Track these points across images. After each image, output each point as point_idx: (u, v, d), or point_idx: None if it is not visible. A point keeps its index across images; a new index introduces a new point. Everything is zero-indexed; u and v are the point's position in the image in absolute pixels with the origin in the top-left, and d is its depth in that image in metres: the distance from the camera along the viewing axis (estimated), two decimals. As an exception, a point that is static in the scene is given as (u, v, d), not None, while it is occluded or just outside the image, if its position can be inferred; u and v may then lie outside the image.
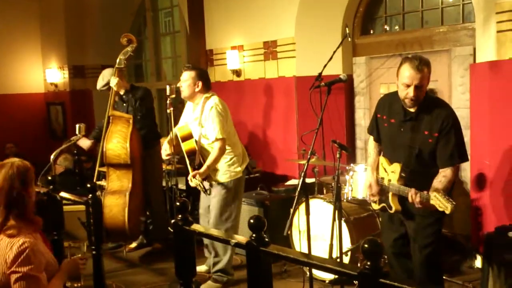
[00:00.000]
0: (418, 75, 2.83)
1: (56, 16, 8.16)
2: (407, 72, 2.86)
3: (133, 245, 4.92)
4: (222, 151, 3.83)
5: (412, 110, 2.97)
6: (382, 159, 3.14)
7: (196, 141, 3.92)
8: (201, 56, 6.03)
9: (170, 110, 3.98)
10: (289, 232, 3.66)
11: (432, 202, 2.68)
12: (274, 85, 5.41)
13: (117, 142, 4.34)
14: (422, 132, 2.93)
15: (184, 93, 3.94)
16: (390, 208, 3.04)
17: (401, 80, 2.90)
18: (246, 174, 4.14)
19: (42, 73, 8.66)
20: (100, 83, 4.81)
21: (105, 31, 7.90)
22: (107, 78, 4.67)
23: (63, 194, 3.98)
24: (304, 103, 4.91)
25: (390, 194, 3.02)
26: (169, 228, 5.24)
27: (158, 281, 4.17)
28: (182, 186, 5.51)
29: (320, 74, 4.59)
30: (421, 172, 2.95)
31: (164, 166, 5.14)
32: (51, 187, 3.90)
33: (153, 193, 4.85)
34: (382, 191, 3.11)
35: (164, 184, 4.94)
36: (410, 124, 2.98)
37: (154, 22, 7.82)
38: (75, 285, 2.48)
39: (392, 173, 3.02)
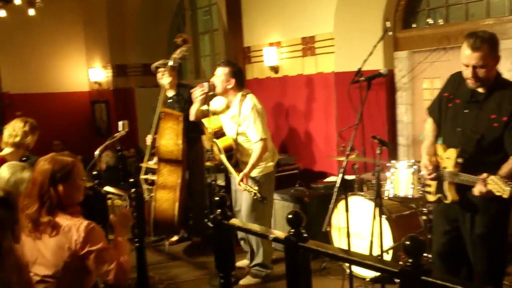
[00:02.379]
0: (475, 54, 2.61)
1: (99, 17, 8.40)
2: (464, 51, 2.65)
3: (175, 238, 5.03)
4: (265, 150, 3.87)
5: (481, 91, 2.71)
6: (438, 146, 2.91)
7: (234, 139, 3.97)
8: (238, 53, 6.06)
9: (207, 106, 4.01)
10: (328, 229, 3.65)
11: (489, 186, 2.47)
12: (313, 81, 5.38)
13: (170, 139, 4.44)
14: (488, 116, 2.68)
15: (217, 88, 3.96)
16: (446, 198, 2.81)
17: (461, 60, 2.70)
18: (276, 170, 4.17)
19: (87, 72, 8.93)
20: (158, 62, 4.89)
21: (145, 30, 8.08)
22: (158, 63, 4.78)
23: (107, 188, 4.12)
24: (343, 99, 4.86)
25: (446, 183, 2.79)
26: (209, 223, 5.35)
27: (199, 274, 4.25)
28: (221, 182, 5.58)
29: (359, 69, 4.53)
30: (479, 160, 2.69)
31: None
32: (96, 181, 4.03)
33: (195, 188, 4.94)
34: (438, 180, 2.85)
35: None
36: (475, 106, 2.72)
37: (192, 21, 7.92)
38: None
39: (447, 159, 2.79)
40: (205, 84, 3.95)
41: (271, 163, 3.99)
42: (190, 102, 4.76)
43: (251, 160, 3.83)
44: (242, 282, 3.95)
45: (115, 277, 2.31)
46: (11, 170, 2.91)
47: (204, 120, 4.09)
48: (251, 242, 3.98)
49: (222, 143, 3.98)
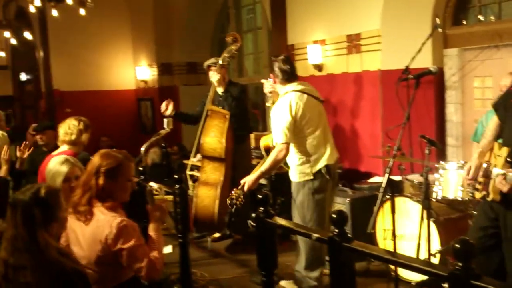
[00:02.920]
0: None
1: (146, 17, 8.57)
2: None
3: (217, 235, 5.06)
4: (280, 155, 3.52)
5: None
6: (495, 144, 2.80)
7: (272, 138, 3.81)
8: (282, 51, 6.03)
9: (268, 103, 3.90)
10: (372, 231, 3.56)
11: None
12: (358, 79, 5.28)
13: (214, 136, 4.47)
14: None
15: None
16: (488, 195, 2.73)
17: None
18: (321, 177, 3.66)
19: (133, 70, 9.14)
20: (209, 61, 4.89)
21: (190, 29, 8.18)
22: (210, 61, 4.78)
23: (152, 184, 4.19)
24: (389, 98, 4.75)
25: (492, 181, 2.70)
26: (251, 221, 5.35)
27: (240, 272, 4.26)
28: (263, 180, 5.57)
29: (407, 67, 4.41)
30: None
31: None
32: (142, 177, 4.11)
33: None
34: (488, 177, 2.75)
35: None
36: None
37: (236, 19, 7.95)
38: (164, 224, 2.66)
39: (498, 157, 2.70)
40: (271, 79, 3.78)
41: (308, 170, 3.61)
42: (238, 100, 4.79)
43: (262, 166, 3.61)
44: (282, 283, 3.86)
45: (146, 274, 2.34)
46: (52, 163, 3.01)
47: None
48: (300, 245, 3.78)
49: (262, 142, 3.90)
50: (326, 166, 3.60)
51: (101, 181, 2.39)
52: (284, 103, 3.54)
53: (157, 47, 8.49)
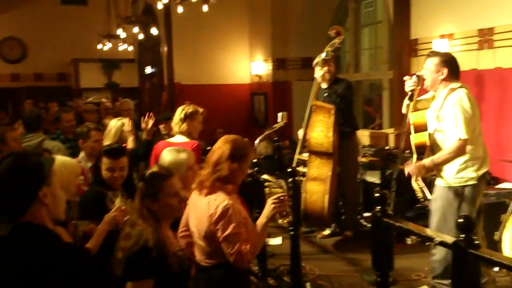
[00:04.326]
0: None
1: (263, 13, 8.73)
2: None
3: (326, 232, 5.01)
4: (459, 152, 3.32)
5: None
6: None
7: (429, 135, 3.53)
8: (404, 46, 5.79)
9: (407, 101, 3.63)
10: (497, 238, 3.28)
11: None
12: (488, 77, 4.89)
13: (321, 131, 4.45)
14: None
15: (427, 81, 3.54)
16: None
17: None
18: (484, 183, 3.50)
19: (249, 65, 9.37)
20: (315, 60, 4.84)
21: (307, 24, 8.17)
22: (319, 58, 4.73)
23: (265, 176, 4.27)
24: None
25: None
26: (361, 219, 5.24)
27: (349, 270, 4.18)
28: (374, 179, 5.41)
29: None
30: None
31: (359, 158, 5.14)
32: (255, 169, 4.19)
33: (347, 183, 4.87)
34: None
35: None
36: None
37: (355, 13, 7.78)
38: (285, 221, 2.65)
39: None
40: (414, 77, 3.59)
41: (472, 174, 3.39)
42: (343, 96, 4.69)
43: (439, 154, 3.39)
44: None
45: (233, 262, 2.42)
46: (169, 153, 3.15)
47: (410, 114, 3.67)
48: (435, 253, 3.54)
49: (415, 139, 3.66)
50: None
51: (230, 164, 2.51)
52: (459, 97, 3.35)
53: (273, 42, 8.61)
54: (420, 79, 3.56)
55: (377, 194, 2.71)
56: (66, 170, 2.66)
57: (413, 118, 3.59)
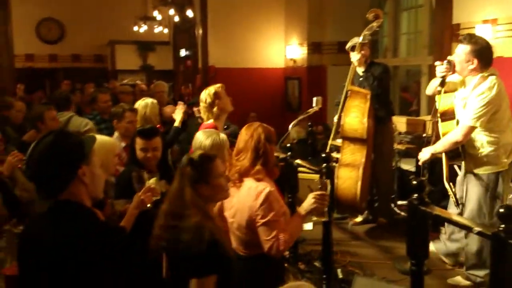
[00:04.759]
0: None
1: (300, -6, 8.60)
2: None
3: (359, 219, 4.96)
4: (462, 138, 3.36)
5: None
6: None
7: (457, 122, 3.50)
8: (445, 31, 5.60)
9: (439, 88, 3.53)
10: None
11: None
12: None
13: (355, 117, 4.38)
14: None
15: (456, 67, 3.49)
16: None
17: None
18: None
19: (283, 49, 9.28)
20: (348, 44, 4.78)
21: (344, 8, 8.01)
22: (354, 42, 4.65)
23: (298, 161, 4.24)
24: None
25: None
26: (394, 208, 5.16)
27: (382, 257, 4.13)
28: (409, 167, 5.30)
29: None
30: None
31: (395, 145, 5.04)
32: (289, 153, 4.17)
33: (381, 170, 4.78)
34: None
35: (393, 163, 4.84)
36: None
37: (395, -4, 7.58)
38: (321, 219, 2.68)
39: None
40: (445, 62, 3.50)
41: (504, 160, 3.38)
42: (380, 80, 4.58)
43: (442, 139, 3.46)
44: (450, 280, 3.63)
45: (268, 249, 2.42)
46: (207, 134, 3.15)
47: (437, 98, 3.63)
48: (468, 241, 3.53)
49: (443, 128, 3.58)
50: None
51: (269, 146, 2.56)
52: (488, 86, 3.29)
53: (309, 25, 8.48)
54: (452, 65, 3.49)
55: (414, 182, 2.66)
56: (106, 150, 2.68)
57: (441, 104, 3.54)
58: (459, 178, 3.68)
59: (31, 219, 2.00)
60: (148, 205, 2.58)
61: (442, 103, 3.53)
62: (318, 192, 2.54)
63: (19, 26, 9.32)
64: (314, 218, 2.65)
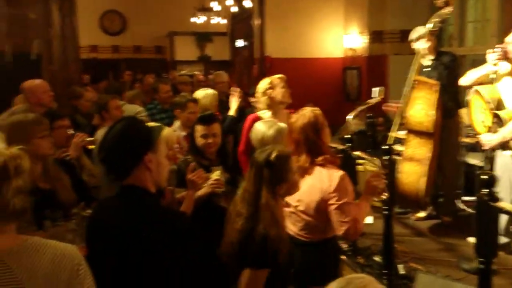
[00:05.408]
0: None
1: (360, -18, 8.38)
2: None
3: (422, 214, 4.79)
4: None
5: None
6: None
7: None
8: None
9: (493, 75, 3.50)
10: None
11: None
12: None
13: (421, 109, 4.21)
14: None
15: (510, 54, 3.48)
16: None
17: None
18: None
19: (342, 39, 9.09)
20: (411, 35, 4.61)
21: (407, -6, 7.74)
22: (418, 33, 4.47)
23: (357, 153, 4.14)
24: None
25: None
26: (460, 204, 4.93)
27: (445, 255, 3.96)
28: (476, 161, 5.05)
29: None
30: None
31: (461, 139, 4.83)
32: (348, 145, 4.09)
33: (447, 164, 4.58)
34: None
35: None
36: None
37: (463, -18, 7.22)
38: (381, 197, 2.73)
39: None
40: (498, 49, 3.49)
41: None
42: (450, 68, 4.38)
43: (503, 130, 3.40)
44: None
45: (346, 232, 2.42)
46: (268, 125, 3.15)
47: (481, 88, 3.59)
48: None
49: (507, 116, 3.45)
50: None
51: (316, 136, 2.57)
52: None
53: (369, 13, 8.25)
54: (504, 52, 3.41)
55: (484, 177, 2.53)
56: (171, 141, 2.76)
57: (488, 93, 3.47)
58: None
59: (99, 203, 2.08)
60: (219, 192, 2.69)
61: (490, 93, 3.47)
62: (372, 174, 2.60)
63: (83, 18, 9.66)
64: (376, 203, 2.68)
